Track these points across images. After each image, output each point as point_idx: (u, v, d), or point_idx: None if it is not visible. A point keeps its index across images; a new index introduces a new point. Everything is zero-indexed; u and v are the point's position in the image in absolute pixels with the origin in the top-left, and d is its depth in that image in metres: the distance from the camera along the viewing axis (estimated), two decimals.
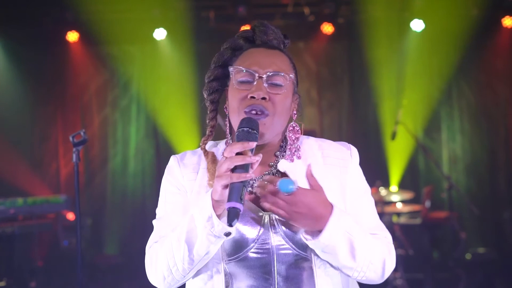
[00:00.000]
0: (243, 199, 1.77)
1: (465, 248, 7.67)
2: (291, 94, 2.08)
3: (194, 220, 1.89)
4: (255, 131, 1.92)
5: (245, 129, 1.91)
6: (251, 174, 1.79)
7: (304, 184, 1.96)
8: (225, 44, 2.15)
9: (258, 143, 1.95)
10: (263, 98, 1.99)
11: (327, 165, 2.11)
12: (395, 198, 7.45)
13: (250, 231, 1.98)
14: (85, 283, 7.18)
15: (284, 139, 2.13)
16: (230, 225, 1.76)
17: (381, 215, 7.13)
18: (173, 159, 2.17)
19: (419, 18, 8.28)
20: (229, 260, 1.98)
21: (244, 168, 1.80)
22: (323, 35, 8.68)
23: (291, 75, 2.06)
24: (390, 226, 6.99)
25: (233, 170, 1.80)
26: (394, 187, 8.26)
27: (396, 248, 6.78)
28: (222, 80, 2.13)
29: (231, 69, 2.07)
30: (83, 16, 8.21)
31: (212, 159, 2.10)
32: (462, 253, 7.50)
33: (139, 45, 8.79)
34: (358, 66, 8.75)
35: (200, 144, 2.15)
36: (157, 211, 2.15)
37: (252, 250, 1.97)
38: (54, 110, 8.96)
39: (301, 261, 1.98)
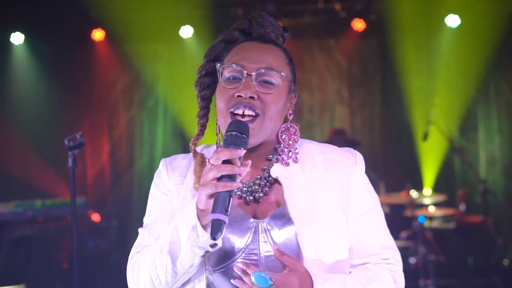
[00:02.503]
0: (229, 210, 1.64)
1: (502, 253, 7.47)
2: (285, 93, 1.93)
3: (178, 230, 1.76)
4: (244, 135, 1.77)
5: (233, 133, 1.77)
6: (238, 183, 1.66)
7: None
8: (220, 37, 2.01)
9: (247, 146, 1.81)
10: (251, 98, 1.85)
11: (327, 171, 1.95)
12: (427, 201, 7.25)
13: (237, 240, 1.85)
14: (110, 285, 7.14)
15: (278, 141, 1.98)
16: (214, 238, 1.64)
17: (411, 219, 6.91)
18: (161, 163, 2.05)
19: (455, 14, 8.06)
20: (213, 270, 1.85)
21: (231, 176, 1.67)
22: (354, 32, 8.52)
23: (283, 73, 1.90)
24: (421, 231, 6.80)
25: (219, 178, 1.67)
26: (427, 190, 8.03)
27: (427, 254, 6.66)
28: (214, 75, 1.98)
29: (218, 65, 1.93)
30: (108, 14, 8.14)
31: (201, 161, 1.97)
32: (498, 259, 7.31)
33: (166, 43, 8.68)
34: (390, 63, 8.55)
35: (190, 144, 2.02)
36: (144, 219, 2.03)
37: (238, 260, 1.83)
38: (80, 110, 8.90)
39: None
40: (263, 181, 1.91)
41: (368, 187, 2.01)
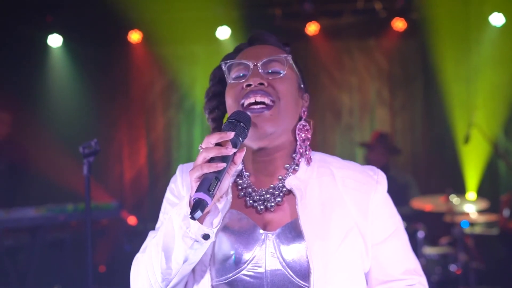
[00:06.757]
0: (213, 190, 1.58)
1: None
2: (295, 84, 1.90)
3: (172, 221, 1.69)
4: (242, 123, 1.71)
5: (232, 121, 1.71)
6: (223, 164, 1.60)
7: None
8: (221, 60, 1.96)
9: (264, 144, 1.82)
10: (261, 84, 1.80)
11: (346, 187, 1.87)
12: (468, 206, 7.04)
13: (243, 251, 1.78)
14: None
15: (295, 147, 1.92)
16: (193, 217, 1.56)
17: (451, 225, 6.76)
18: (178, 168, 2.03)
19: (499, 12, 7.84)
20: (218, 281, 1.78)
21: (224, 160, 1.61)
22: (395, 32, 8.36)
23: (288, 57, 1.86)
24: (461, 237, 6.62)
25: (210, 162, 1.62)
26: (471, 194, 7.80)
27: (468, 261, 6.46)
28: (221, 97, 1.98)
29: (222, 64, 1.90)
30: (145, 16, 8.15)
31: None
32: None
33: (203, 44, 8.61)
34: (432, 64, 8.34)
35: None
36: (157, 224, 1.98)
37: (243, 272, 1.77)
38: (118, 112, 8.91)
39: None
40: (277, 191, 1.86)
41: (390, 209, 1.92)
